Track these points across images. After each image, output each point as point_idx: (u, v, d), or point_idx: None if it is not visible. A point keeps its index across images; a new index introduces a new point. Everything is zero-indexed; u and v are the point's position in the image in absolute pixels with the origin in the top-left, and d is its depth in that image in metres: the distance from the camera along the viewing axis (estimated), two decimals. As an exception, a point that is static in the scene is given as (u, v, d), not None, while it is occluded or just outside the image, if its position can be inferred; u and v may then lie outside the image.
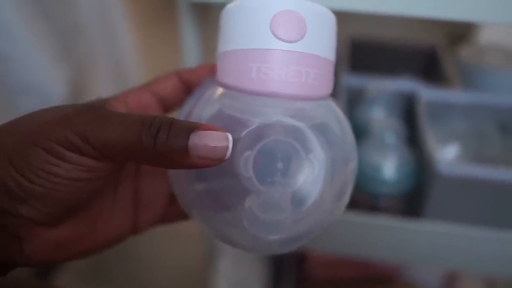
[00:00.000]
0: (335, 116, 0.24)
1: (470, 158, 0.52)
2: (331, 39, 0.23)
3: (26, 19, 0.64)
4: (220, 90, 0.24)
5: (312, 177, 0.22)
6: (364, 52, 0.72)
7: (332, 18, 0.23)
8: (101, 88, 0.86)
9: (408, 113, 0.57)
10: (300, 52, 0.21)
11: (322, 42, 0.22)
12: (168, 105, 0.27)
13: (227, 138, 0.20)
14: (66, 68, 0.74)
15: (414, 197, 0.50)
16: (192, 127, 0.20)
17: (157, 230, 0.31)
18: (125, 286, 0.92)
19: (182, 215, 0.29)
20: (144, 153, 0.20)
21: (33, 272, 0.88)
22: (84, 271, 0.94)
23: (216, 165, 0.20)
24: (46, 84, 0.68)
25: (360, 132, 0.54)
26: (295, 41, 0.21)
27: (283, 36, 0.21)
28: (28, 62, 0.65)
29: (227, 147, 0.20)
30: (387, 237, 0.47)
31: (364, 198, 0.50)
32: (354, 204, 0.50)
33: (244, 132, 0.22)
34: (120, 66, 0.94)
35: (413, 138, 0.53)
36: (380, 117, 0.55)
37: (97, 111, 0.21)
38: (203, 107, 0.24)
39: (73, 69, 0.76)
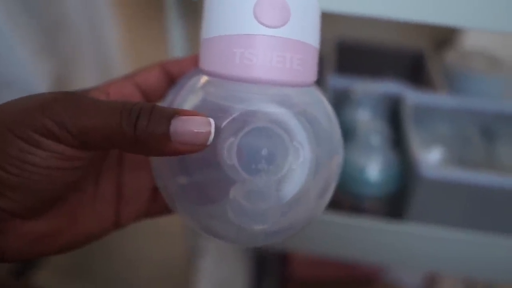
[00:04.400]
0: (320, 103, 0.24)
1: (453, 161, 0.53)
2: (315, 25, 0.23)
3: (10, 12, 0.63)
4: (203, 78, 0.23)
5: (297, 164, 0.22)
6: (350, 54, 0.72)
7: (316, 5, 0.23)
8: (85, 82, 0.85)
9: (393, 115, 0.57)
10: (284, 37, 0.21)
11: (306, 28, 0.22)
12: (151, 97, 0.27)
13: (209, 123, 0.20)
14: (50, 62, 0.72)
15: (398, 199, 0.50)
16: (173, 113, 0.19)
17: (141, 227, 0.30)
18: (108, 284, 0.91)
19: (165, 210, 0.28)
20: (124, 140, 0.19)
21: (12, 271, 0.86)
22: (66, 269, 0.92)
23: (198, 151, 0.20)
24: (29, 78, 0.67)
25: (346, 133, 0.54)
26: (279, 27, 0.21)
27: (267, 22, 0.21)
28: (12, 56, 0.64)
29: (209, 132, 0.20)
30: (370, 239, 0.48)
31: (348, 199, 0.50)
32: (338, 205, 0.51)
33: (228, 119, 0.21)
34: (105, 60, 0.93)
35: (397, 141, 0.53)
36: (365, 119, 0.56)
37: (76, 98, 0.20)
38: (186, 95, 0.23)
39: (57, 63, 0.75)
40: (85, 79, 0.85)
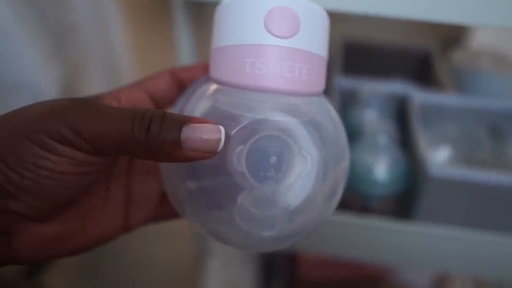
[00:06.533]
0: (327, 112, 0.25)
1: (461, 161, 0.52)
2: (324, 36, 0.24)
3: (19, 17, 0.63)
4: (213, 86, 0.24)
5: (304, 172, 0.22)
6: (357, 54, 0.72)
7: (325, 16, 0.24)
8: (94, 87, 0.85)
9: (400, 115, 0.57)
10: (294, 48, 0.22)
11: (315, 39, 0.23)
12: (161, 103, 0.27)
13: (219, 131, 0.20)
14: (58, 67, 0.73)
15: (406, 198, 0.50)
16: (184, 120, 0.20)
17: (149, 229, 0.30)
18: (116, 285, 0.91)
19: (173, 214, 0.28)
20: (136, 146, 0.20)
21: (22, 271, 0.87)
22: (75, 270, 0.93)
23: (209, 157, 0.20)
24: (38, 83, 0.68)
25: (353, 133, 0.54)
26: (289, 37, 0.22)
27: (277, 32, 0.21)
28: (21, 61, 0.65)
29: (219, 139, 0.20)
30: (378, 238, 0.47)
31: (356, 199, 0.50)
32: (346, 205, 0.51)
33: (237, 127, 0.22)
34: (113, 65, 0.94)
35: (405, 141, 0.53)
36: (372, 119, 0.56)
37: (89, 104, 0.21)
38: (196, 103, 0.24)
39: (65, 68, 0.75)
40: (94, 84, 0.86)
